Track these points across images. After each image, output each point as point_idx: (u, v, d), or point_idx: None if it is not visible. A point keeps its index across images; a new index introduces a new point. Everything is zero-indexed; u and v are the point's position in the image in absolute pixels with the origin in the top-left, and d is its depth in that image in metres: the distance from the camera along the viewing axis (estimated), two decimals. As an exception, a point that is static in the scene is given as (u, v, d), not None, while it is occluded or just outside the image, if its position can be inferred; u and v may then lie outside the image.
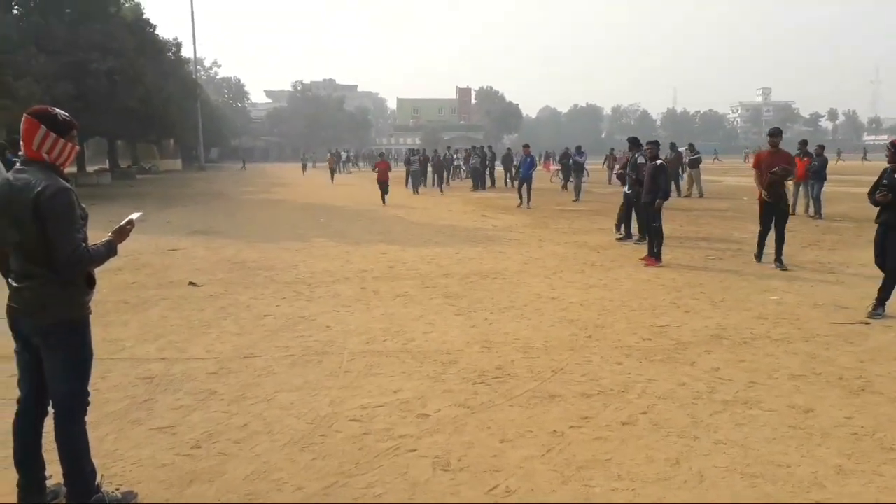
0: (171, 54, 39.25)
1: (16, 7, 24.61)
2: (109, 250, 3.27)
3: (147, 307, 7.53)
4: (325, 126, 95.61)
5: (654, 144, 11.09)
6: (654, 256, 10.23)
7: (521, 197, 19.97)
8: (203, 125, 53.04)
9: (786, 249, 9.87)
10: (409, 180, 27.60)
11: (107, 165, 41.44)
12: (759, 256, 10.05)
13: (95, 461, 3.52)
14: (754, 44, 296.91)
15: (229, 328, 6.66)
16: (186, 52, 65.36)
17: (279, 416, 4.44)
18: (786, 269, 9.41)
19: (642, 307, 7.50)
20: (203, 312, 7.28)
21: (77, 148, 3.29)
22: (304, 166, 50.50)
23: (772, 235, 9.77)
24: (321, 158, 55.44)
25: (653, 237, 10.41)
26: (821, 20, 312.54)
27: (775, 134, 9.98)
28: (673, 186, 23.22)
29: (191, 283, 8.70)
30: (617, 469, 3.71)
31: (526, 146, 21.49)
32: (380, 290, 8.43)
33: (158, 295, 8.12)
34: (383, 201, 21.34)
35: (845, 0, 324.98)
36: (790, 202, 18.73)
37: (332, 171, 36.49)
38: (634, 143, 13.02)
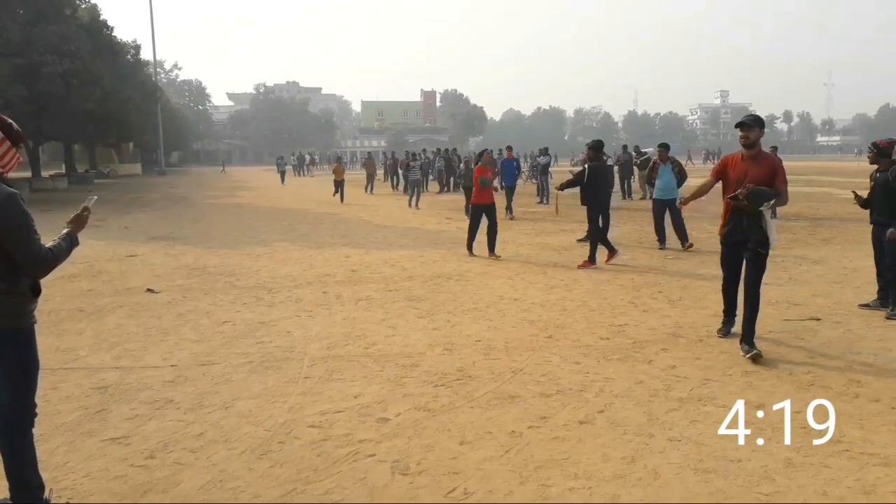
0: (129, 56, 38.49)
1: (-35, 8, 23.90)
2: (71, 242, 3.25)
3: (103, 315, 7.37)
4: (289, 129, 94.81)
5: (594, 147, 10.89)
6: (590, 259, 10.27)
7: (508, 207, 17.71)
8: (163, 128, 52.11)
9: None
10: (406, 189, 25.29)
11: (63, 170, 40.44)
12: (725, 330, 6.32)
13: (45, 474, 3.45)
14: (714, 48, 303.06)
15: (188, 335, 6.56)
16: (146, 55, 64.39)
17: (237, 424, 4.39)
18: (756, 356, 5.53)
19: (601, 307, 7.60)
20: (161, 320, 7.16)
21: (21, 160, 3.23)
22: (283, 174, 39.75)
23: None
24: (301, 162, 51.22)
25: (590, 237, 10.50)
26: (778, 25, 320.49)
27: (749, 126, 5.67)
28: (624, 188, 23.78)
29: (148, 290, 8.56)
30: (574, 468, 3.76)
31: (509, 148, 20.70)
32: (342, 294, 8.39)
33: (115, 302, 7.96)
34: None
35: (800, 3, 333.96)
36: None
37: (340, 185, 24.74)
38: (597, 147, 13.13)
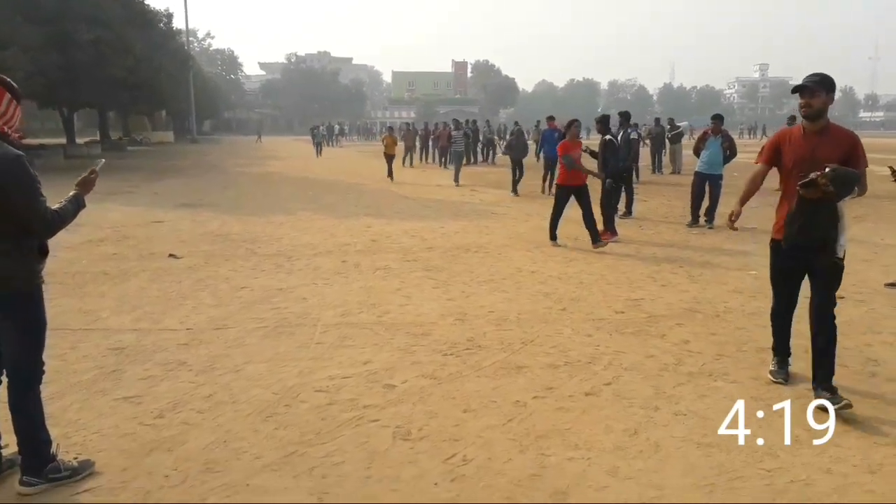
0: (161, 25, 38.71)
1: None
2: (77, 204, 3.29)
3: (126, 278, 7.52)
4: (320, 99, 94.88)
5: (602, 120, 10.62)
6: (610, 230, 10.14)
7: (544, 181, 16.62)
8: (195, 97, 52.54)
9: (769, 225, 9.74)
10: (447, 161, 24.94)
11: (97, 137, 41.09)
12: (783, 374, 4.66)
13: (57, 430, 3.57)
14: (753, 20, 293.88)
15: (206, 300, 6.66)
16: (179, 24, 64.76)
17: (246, 387, 4.46)
18: (847, 405, 4.03)
19: (619, 281, 7.52)
20: (181, 284, 7.28)
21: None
22: (318, 146, 36.99)
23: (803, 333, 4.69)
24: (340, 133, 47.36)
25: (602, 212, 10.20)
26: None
27: (812, 90, 4.14)
28: (654, 162, 23.19)
29: (171, 255, 8.69)
30: (575, 438, 3.75)
31: (551, 118, 18.05)
32: (360, 263, 8.43)
33: (138, 266, 8.11)
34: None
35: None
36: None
37: (390, 160, 21.34)
38: (625, 118, 12.90)
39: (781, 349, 4.79)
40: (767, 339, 5.40)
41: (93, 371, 4.74)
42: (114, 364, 4.88)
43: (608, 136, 10.57)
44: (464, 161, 21.11)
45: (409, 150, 28.25)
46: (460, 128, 22.70)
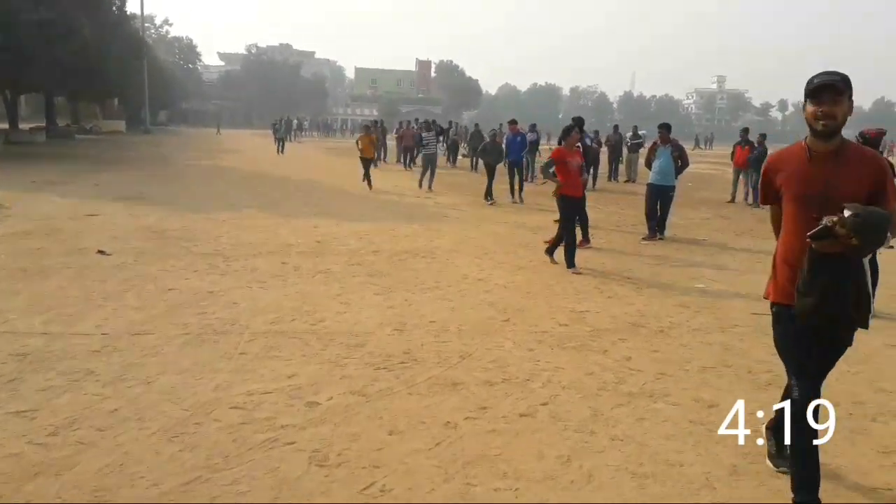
0: (114, 9, 37.40)
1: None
2: None
3: (46, 276, 7.03)
4: (280, 92, 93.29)
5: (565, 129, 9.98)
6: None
7: (512, 190, 15.84)
8: (150, 86, 50.95)
9: (719, 237, 9.71)
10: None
11: (44, 124, 39.51)
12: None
13: (-70, 450, 3.18)
14: (714, 33, 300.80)
15: (129, 301, 6.25)
16: (135, 8, 62.80)
17: (155, 401, 4.11)
18: None
19: (566, 291, 7.35)
20: (105, 284, 6.84)
21: None
22: (280, 142, 33.60)
23: None
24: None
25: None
26: (786, 14, 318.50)
27: (836, 90, 2.91)
28: (610, 169, 23.23)
29: (99, 252, 8.20)
30: (504, 466, 3.51)
31: (513, 122, 17.38)
32: (301, 265, 8.09)
33: (62, 263, 7.61)
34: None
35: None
36: (732, 192, 18.86)
37: (368, 165, 18.14)
38: (579, 124, 12.73)
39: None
40: (711, 359, 5.31)
41: (-13, 380, 4.32)
42: (13, 372, 4.46)
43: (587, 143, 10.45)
44: (437, 165, 18.95)
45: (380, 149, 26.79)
46: (432, 128, 20.58)
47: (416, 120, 28.56)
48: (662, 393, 4.59)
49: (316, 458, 3.51)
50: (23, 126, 34.92)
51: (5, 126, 33.52)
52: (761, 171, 3.33)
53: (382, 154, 27.92)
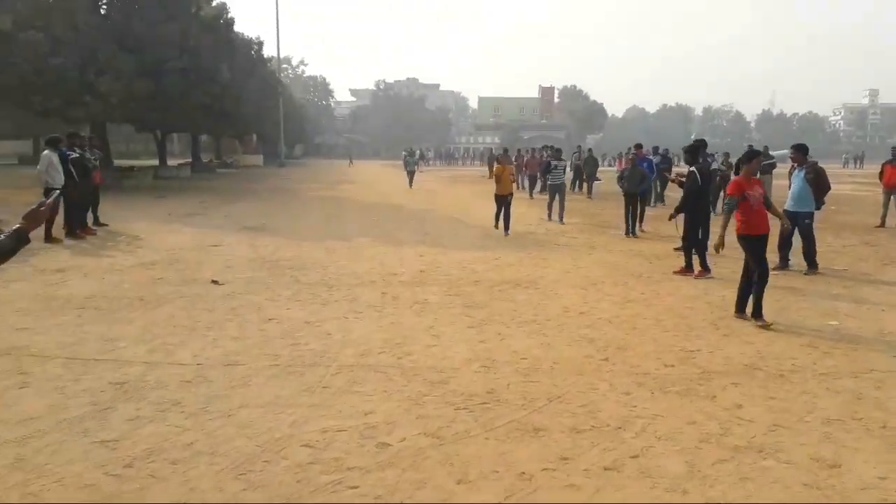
0: (252, 52, 40.28)
1: (103, 7, 25.76)
2: (18, 240, 2.91)
3: (160, 305, 7.42)
4: (406, 124, 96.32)
5: (690, 150, 10.07)
6: (686, 267, 9.72)
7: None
8: (286, 122, 54.33)
9: (862, 266, 8.63)
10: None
11: (190, 160, 43.06)
12: None
13: (19, 476, 3.34)
14: (863, 45, 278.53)
15: (230, 331, 6.43)
16: (271, 51, 67.32)
17: (231, 436, 4.12)
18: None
19: (677, 327, 6.79)
20: (212, 313, 7.10)
21: None
22: (411, 175, 30.16)
23: None
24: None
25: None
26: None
27: None
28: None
29: (213, 282, 8.59)
30: (578, 528, 3.17)
31: (638, 146, 16.66)
32: (400, 295, 8.05)
33: (177, 292, 8.03)
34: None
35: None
36: (882, 215, 16.85)
37: (503, 204, 14.09)
38: (702, 146, 11.91)
39: None
40: (838, 409, 4.65)
41: (85, 407, 4.52)
42: (108, 401, 4.65)
43: (692, 168, 9.80)
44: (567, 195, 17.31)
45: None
46: (561, 157, 17.65)
47: (545, 147, 27.25)
48: (774, 448, 4.03)
49: (376, 507, 3.34)
50: (172, 162, 38.20)
51: (155, 163, 36.80)
52: None
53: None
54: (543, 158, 23.55)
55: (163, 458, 3.81)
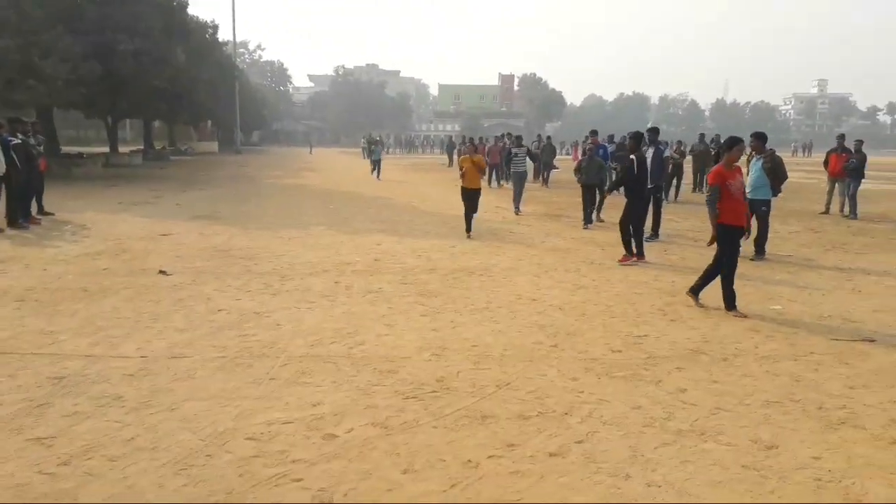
0: (207, 36, 39.36)
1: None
2: None
3: (104, 296, 7.22)
4: (366, 111, 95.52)
5: (635, 136, 10.17)
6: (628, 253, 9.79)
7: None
8: (242, 108, 53.32)
9: (806, 252, 8.87)
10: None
11: (142, 147, 41.94)
12: None
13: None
14: (814, 35, 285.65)
15: (176, 323, 6.30)
16: (226, 35, 65.90)
17: (173, 430, 4.03)
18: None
19: (626, 313, 6.89)
20: (158, 304, 6.94)
21: None
22: (377, 163, 28.51)
23: None
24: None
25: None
26: (886, 16, 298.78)
27: None
28: (696, 180, 22.04)
29: (161, 272, 8.39)
30: (520, 515, 3.20)
31: (594, 133, 16.60)
32: (353, 284, 7.99)
33: (123, 283, 7.82)
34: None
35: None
36: (826, 202, 17.29)
37: (472, 199, 12.28)
38: (654, 133, 12.05)
39: None
40: (777, 392, 4.78)
41: (19, 404, 4.38)
42: (45, 396, 4.51)
43: (632, 155, 9.92)
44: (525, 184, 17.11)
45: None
46: (522, 144, 17.64)
47: (504, 135, 26.86)
48: (715, 431, 4.13)
49: (319, 498, 3.31)
50: (123, 149, 37.15)
51: (105, 150, 35.73)
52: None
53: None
54: (504, 147, 23.59)
55: (101, 455, 3.71)
